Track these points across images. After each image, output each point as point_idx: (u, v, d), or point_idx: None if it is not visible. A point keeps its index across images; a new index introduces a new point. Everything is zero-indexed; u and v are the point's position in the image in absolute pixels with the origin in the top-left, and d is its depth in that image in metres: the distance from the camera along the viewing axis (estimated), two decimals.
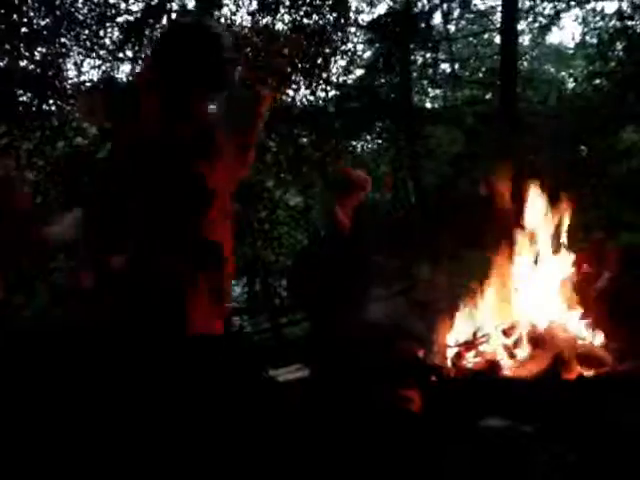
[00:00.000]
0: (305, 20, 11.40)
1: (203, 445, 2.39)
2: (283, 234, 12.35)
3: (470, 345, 4.60)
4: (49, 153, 9.96)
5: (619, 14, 12.94)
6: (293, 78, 10.78)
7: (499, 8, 13.97)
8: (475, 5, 16.22)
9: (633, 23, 12.72)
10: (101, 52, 10.43)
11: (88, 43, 10.27)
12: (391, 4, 13.90)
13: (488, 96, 15.38)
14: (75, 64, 10.34)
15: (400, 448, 3.38)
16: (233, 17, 11.10)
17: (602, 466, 3.04)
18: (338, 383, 4.41)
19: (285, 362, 5.57)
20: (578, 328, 4.70)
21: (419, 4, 14.04)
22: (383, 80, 14.02)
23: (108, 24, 10.35)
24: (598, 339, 4.62)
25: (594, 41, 15.11)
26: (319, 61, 11.44)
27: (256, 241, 11.49)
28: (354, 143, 14.42)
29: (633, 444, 3.19)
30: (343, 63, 12.64)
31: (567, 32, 47.34)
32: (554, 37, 35.51)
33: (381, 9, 18.63)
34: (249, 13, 11.12)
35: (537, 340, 4.41)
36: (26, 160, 9.64)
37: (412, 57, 14.10)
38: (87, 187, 8.74)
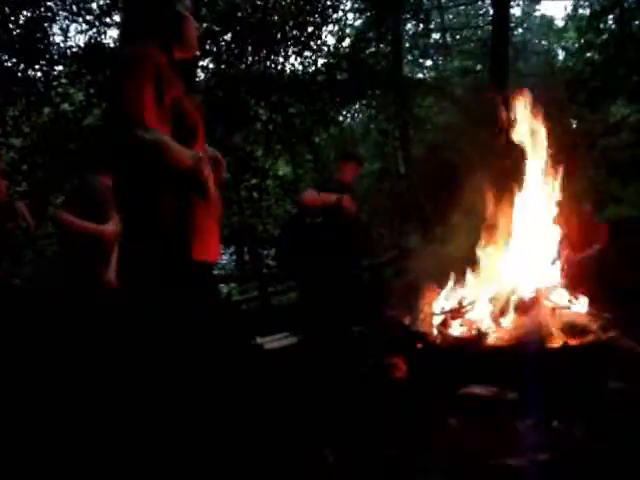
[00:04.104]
0: None
1: (191, 412, 2.40)
2: (272, 204, 12.32)
3: (456, 313, 4.62)
4: (35, 119, 9.85)
5: None
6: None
7: None
8: None
9: None
10: (88, 17, 10.26)
11: (74, 7, 10.10)
12: None
13: (479, 67, 15.30)
14: (61, 29, 10.21)
15: (386, 415, 3.41)
16: None
17: (587, 432, 3.07)
18: (325, 350, 4.43)
19: (273, 330, 5.58)
20: (564, 297, 4.72)
21: None
22: (374, 49, 13.90)
23: None
24: (584, 308, 4.65)
25: (586, 12, 15.02)
26: (309, 29, 11.31)
27: (245, 210, 11.46)
28: (344, 112, 14.33)
29: (617, 411, 3.23)
30: (333, 32, 12.53)
31: (559, 3, 47.08)
32: (546, 8, 35.26)
33: None
34: None
35: (523, 308, 4.43)
36: (12, 126, 9.53)
37: (403, 26, 13.96)
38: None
